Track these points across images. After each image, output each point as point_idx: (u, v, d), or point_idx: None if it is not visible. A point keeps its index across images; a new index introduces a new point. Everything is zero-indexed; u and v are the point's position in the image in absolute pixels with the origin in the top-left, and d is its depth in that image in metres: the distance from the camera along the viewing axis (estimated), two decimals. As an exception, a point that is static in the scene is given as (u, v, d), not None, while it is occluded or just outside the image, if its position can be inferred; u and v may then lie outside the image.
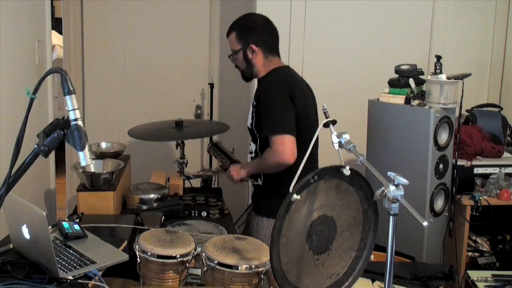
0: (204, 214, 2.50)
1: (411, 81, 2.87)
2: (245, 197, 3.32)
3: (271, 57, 2.40)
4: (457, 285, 2.91)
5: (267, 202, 2.39)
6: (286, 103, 2.26)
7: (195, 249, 1.84)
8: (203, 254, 1.79)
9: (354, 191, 1.60)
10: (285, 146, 2.20)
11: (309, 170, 1.50)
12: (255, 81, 2.48)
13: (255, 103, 2.34)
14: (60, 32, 4.13)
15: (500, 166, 3.06)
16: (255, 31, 2.37)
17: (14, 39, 2.47)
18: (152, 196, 2.53)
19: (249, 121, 2.40)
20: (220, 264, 1.73)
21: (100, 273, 1.74)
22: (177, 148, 2.90)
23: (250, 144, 2.46)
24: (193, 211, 2.50)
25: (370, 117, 3.03)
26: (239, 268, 1.72)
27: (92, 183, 2.36)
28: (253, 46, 2.35)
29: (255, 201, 2.48)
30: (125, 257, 1.85)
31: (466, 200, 2.98)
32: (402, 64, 2.95)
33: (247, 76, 2.44)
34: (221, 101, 3.90)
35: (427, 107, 2.77)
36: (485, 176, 3.04)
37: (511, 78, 3.66)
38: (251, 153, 2.45)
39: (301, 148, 2.25)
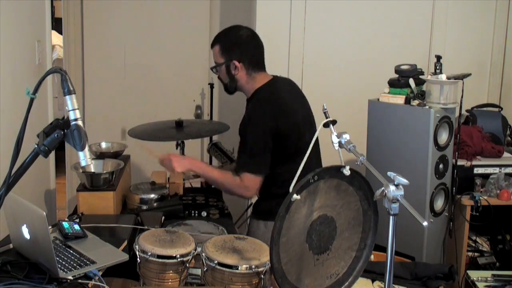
0: (204, 214, 2.50)
1: (411, 81, 2.87)
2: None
3: (254, 74, 2.33)
4: (457, 285, 2.91)
5: (258, 204, 2.42)
6: (262, 138, 2.23)
7: (195, 249, 1.84)
8: (203, 254, 1.79)
9: (354, 191, 1.60)
10: (254, 186, 2.26)
11: (310, 169, 1.50)
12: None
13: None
14: (60, 32, 4.13)
15: (500, 166, 3.06)
16: (239, 47, 2.30)
17: (14, 39, 2.47)
18: (152, 196, 2.53)
19: None
20: (220, 264, 1.73)
21: (100, 273, 1.74)
22: (177, 148, 2.90)
23: None
24: (193, 211, 2.50)
25: (370, 117, 3.03)
26: (239, 268, 1.72)
27: (92, 183, 2.36)
28: (236, 62, 2.29)
29: (253, 205, 2.49)
30: (125, 257, 1.85)
31: (466, 200, 2.98)
32: (402, 64, 2.95)
33: (231, 90, 2.39)
34: (221, 101, 3.90)
35: (427, 107, 2.77)
36: (485, 176, 3.04)
37: (511, 78, 3.66)
38: None
39: (289, 154, 2.27)
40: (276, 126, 2.24)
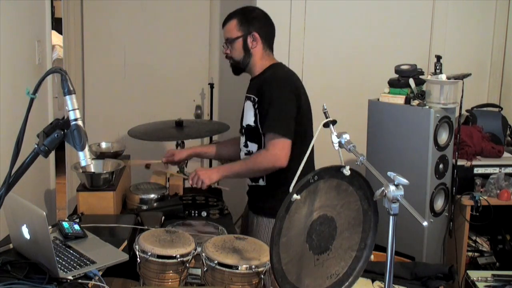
0: (204, 214, 2.50)
1: (411, 81, 2.87)
2: (245, 197, 3.32)
3: (268, 51, 2.38)
4: (457, 285, 2.91)
5: (272, 202, 2.37)
6: (290, 102, 2.24)
7: (195, 249, 1.84)
8: (203, 254, 1.79)
9: (354, 191, 1.60)
10: (284, 151, 2.20)
11: (308, 169, 1.50)
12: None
13: (256, 99, 2.30)
14: (60, 32, 4.13)
15: (500, 166, 3.06)
16: (259, 20, 2.35)
17: (14, 39, 2.47)
18: (152, 196, 2.53)
19: (250, 119, 2.34)
20: (220, 264, 1.73)
21: (100, 273, 1.74)
22: (177, 148, 2.90)
23: (245, 145, 2.41)
24: (193, 211, 2.50)
25: (370, 117, 3.03)
26: (239, 268, 1.72)
27: (92, 183, 2.36)
28: (256, 34, 2.32)
29: (256, 202, 2.47)
30: (125, 257, 1.85)
31: (466, 200, 2.98)
32: (402, 64, 2.95)
33: (242, 67, 2.37)
34: (221, 101, 3.90)
35: (427, 107, 2.77)
36: (485, 176, 3.04)
37: (511, 78, 3.66)
38: (249, 153, 2.40)
39: (301, 147, 2.25)
40: (298, 98, 2.26)
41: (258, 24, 2.34)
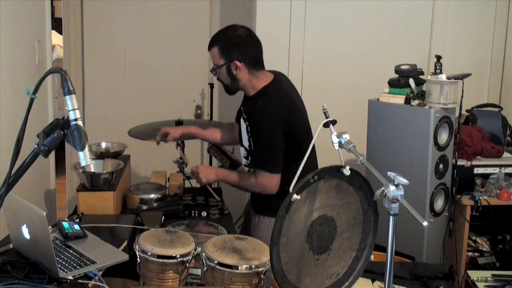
0: (204, 214, 2.50)
1: (411, 81, 2.87)
2: (245, 197, 3.32)
3: (256, 73, 2.32)
4: (457, 285, 2.91)
5: (275, 203, 2.37)
6: (278, 135, 2.24)
7: (195, 249, 1.84)
8: (203, 254, 1.79)
9: (354, 191, 1.60)
10: (272, 183, 2.27)
11: (311, 169, 1.50)
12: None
13: (249, 127, 2.32)
14: (60, 32, 4.13)
15: (500, 166, 3.06)
16: (238, 47, 2.28)
17: (14, 39, 2.47)
18: (152, 196, 2.53)
19: (246, 142, 2.38)
20: (220, 264, 1.74)
21: (100, 273, 1.74)
22: (177, 148, 2.90)
23: (245, 157, 2.43)
24: (193, 211, 2.50)
25: (370, 117, 3.03)
26: (239, 268, 1.72)
27: (92, 183, 2.36)
28: (237, 63, 2.27)
29: (259, 202, 2.46)
30: (125, 257, 1.85)
31: (466, 200, 2.98)
32: (402, 64, 2.95)
33: (232, 91, 2.37)
34: (221, 101, 3.90)
35: (427, 107, 2.77)
36: (485, 176, 3.04)
37: (511, 78, 3.66)
38: (248, 165, 2.44)
39: (296, 159, 2.25)
40: (289, 126, 2.26)
41: (238, 51, 2.27)
